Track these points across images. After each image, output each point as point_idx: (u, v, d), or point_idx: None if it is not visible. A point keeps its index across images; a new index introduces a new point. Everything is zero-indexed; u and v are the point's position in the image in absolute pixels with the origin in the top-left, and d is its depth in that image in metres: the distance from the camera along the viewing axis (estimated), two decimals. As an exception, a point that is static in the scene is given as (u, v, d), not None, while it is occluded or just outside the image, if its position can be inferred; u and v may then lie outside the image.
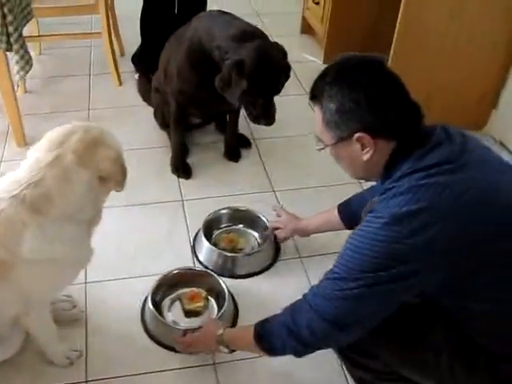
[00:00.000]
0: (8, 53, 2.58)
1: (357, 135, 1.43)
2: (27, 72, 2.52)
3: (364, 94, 1.41)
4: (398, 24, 2.88)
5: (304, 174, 2.87)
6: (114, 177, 1.62)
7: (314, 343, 1.50)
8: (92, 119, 3.21)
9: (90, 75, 3.64)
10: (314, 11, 3.96)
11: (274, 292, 2.24)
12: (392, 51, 2.94)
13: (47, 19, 3.60)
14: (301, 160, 2.97)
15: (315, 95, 1.50)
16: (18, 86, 2.91)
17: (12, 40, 2.40)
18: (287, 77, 2.46)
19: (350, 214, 2.07)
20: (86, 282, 2.24)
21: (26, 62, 2.47)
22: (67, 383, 1.90)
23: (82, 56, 3.85)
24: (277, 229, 2.38)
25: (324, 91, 1.45)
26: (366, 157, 1.46)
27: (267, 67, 2.31)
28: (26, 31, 3.35)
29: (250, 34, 2.39)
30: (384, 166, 1.47)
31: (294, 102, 3.39)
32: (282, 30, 4.21)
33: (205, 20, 2.56)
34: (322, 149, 1.54)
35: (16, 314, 1.74)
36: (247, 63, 2.27)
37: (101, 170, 1.58)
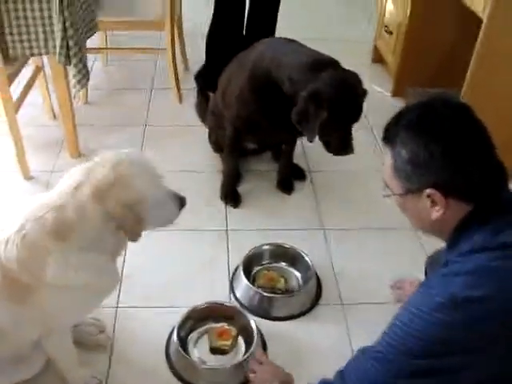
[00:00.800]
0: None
1: (428, 191, 1.28)
2: (83, 86, 2.51)
3: (444, 145, 1.24)
4: (474, 54, 2.69)
5: (357, 214, 2.72)
6: (124, 222, 1.55)
7: None
8: (147, 135, 3.19)
9: (152, 90, 3.63)
10: (386, 41, 3.81)
11: (308, 339, 2.11)
12: (465, 86, 2.77)
13: (116, 31, 3.62)
14: (356, 198, 2.83)
15: (388, 138, 1.36)
16: (75, 97, 2.90)
17: (71, 53, 2.39)
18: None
19: None
20: (117, 307, 2.18)
21: (83, 76, 2.45)
22: (83, 410, 1.84)
23: (147, 70, 3.84)
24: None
25: (398, 135, 1.31)
26: (434, 215, 1.30)
27: (346, 96, 2.22)
28: (93, 42, 3.41)
29: (323, 63, 2.28)
30: (453, 229, 1.31)
31: (356, 135, 3.25)
32: (351, 58, 4.02)
33: (270, 46, 2.47)
34: (389, 196, 1.41)
35: (37, 337, 1.70)
36: (325, 93, 2.16)
37: (110, 211, 1.52)
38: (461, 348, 1.17)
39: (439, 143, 1.24)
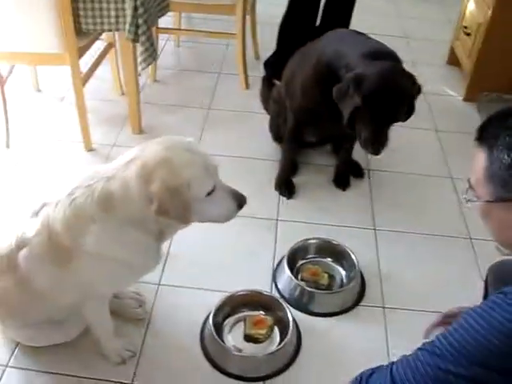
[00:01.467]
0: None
1: None
2: (149, 64, 2.54)
3: None
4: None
5: (413, 218, 2.64)
6: (167, 206, 1.49)
7: None
8: (210, 118, 3.21)
9: (219, 74, 3.64)
10: (464, 42, 3.67)
11: (344, 339, 2.07)
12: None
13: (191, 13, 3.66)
14: (414, 202, 2.75)
15: (484, 138, 1.22)
16: (140, 74, 2.95)
17: (140, 32, 2.43)
18: (411, 108, 2.26)
19: None
20: (159, 284, 2.20)
21: (150, 54, 2.48)
22: (113, 381, 1.88)
23: (217, 53, 3.86)
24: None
25: (499, 137, 1.17)
26: None
27: (386, 91, 2.13)
28: (167, 23, 3.45)
29: (382, 54, 2.23)
30: None
31: (421, 136, 3.17)
32: (427, 57, 3.99)
33: (335, 37, 2.43)
34: (472, 201, 1.28)
35: (74, 302, 1.74)
36: (366, 80, 2.11)
37: (153, 192, 1.48)
38: None
39: None
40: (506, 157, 1.16)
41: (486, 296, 1.56)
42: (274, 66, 3.40)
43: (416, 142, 3.15)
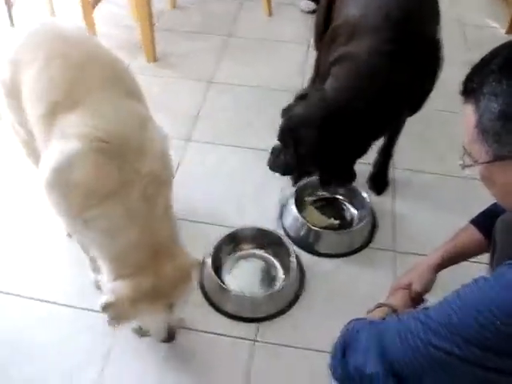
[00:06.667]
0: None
1: None
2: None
3: None
4: None
5: (436, 157, 2.46)
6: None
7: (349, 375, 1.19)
8: (230, 46, 3.06)
9: (242, 0, 3.45)
10: (511, -30, 3.36)
11: (350, 281, 1.98)
12: None
13: None
14: (439, 140, 2.56)
15: (469, 90, 1.05)
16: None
17: None
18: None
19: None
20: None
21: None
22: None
23: (241, -21, 3.65)
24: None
25: (485, 83, 1.01)
26: None
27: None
28: None
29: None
30: None
31: (455, 70, 2.92)
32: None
33: None
34: (469, 166, 1.11)
35: None
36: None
37: None
38: None
39: None
40: (494, 105, 1.00)
41: (494, 246, 1.42)
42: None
43: (449, 77, 2.92)
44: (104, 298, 1.41)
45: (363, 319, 1.28)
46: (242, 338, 1.80)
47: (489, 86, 1.01)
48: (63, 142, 1.43)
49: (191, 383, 1.71)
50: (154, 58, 2.86)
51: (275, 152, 2.06)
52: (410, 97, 1.95)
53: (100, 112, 1.46)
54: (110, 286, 1.44)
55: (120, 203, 1.40)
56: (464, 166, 1.11)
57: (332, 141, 1.85)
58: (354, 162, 1.99)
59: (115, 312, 1.42)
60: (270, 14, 3.29)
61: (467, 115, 1.06)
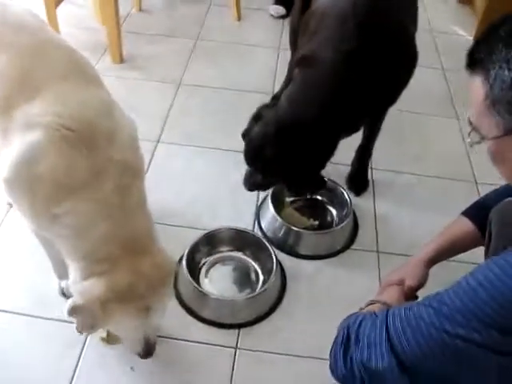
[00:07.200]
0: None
1: None
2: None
3: None
4: None
5: (414, 158, 2.41)
6: None
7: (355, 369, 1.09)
8: (198, 49, 2.96)
9: (210, 4, 3.36)
10: (477, -22, 3.39)
11: (333, 284, 1.88)
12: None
13: None
14: (416, 141, 2.52)
15: (478, 59, 0.98)
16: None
17: None
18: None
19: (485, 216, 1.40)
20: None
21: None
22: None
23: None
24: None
25: (494, 51, 0.95)
26: None
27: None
28: None
29: None
30: None
31: (427, 74, 2.89)
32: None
33: None
34: (478, 143, 1.04)
35: None
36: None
37: None
38: None
39: None
40: (506, 73, 0.93)
41: (489, 237, 1.34)
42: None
43: (421, 80, 2.89)
44: (71, 301, 1.26)
45: (362, 313, 1.19)
46: (222, 346, 1.68)
47: (498, 53, 0.94)
48: (24, 134, 1.29)
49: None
50: (120, 59, 2.75)
51: (247, 173, 1.96)
52: (375, 96, 1.81)
53: (62, 99, 1.33)
54: (79, 287, 1.29)
55: (92, 195, 1.28)
56: (472, 143, 1.05)
57: (290, 154, 1.75)
58: (319, 169, 1.89)
59: (84, 316, 1.27)
60: (239, 18, 3.22)
61: (475, 88, 1.00)
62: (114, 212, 1.30)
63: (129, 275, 1.29)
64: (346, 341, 1.11)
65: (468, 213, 1.54)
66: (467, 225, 1.50)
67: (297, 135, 1.73)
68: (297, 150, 1.75)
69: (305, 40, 1.90)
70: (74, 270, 1.33)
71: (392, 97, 1.91)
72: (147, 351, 1.45)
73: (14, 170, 1.29)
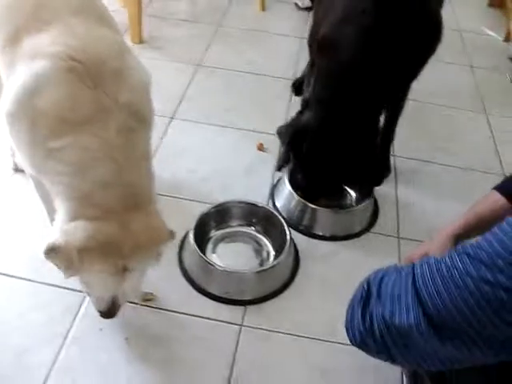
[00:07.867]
0: None
1: None
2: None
3: None
4: None
5: (440, 148, 2.30)
6: None
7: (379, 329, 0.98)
8: (218, 35, 2.89)
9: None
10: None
11: (349, 266, 1.76)
12: None
13: None
14: (442, 133, 2.42)
15: None
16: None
17: None
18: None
19: None
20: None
21: None
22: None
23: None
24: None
25: None
26: None
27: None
28: None
29: None
30: None
31: (455, 71, 2.80)
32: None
33: None
34: None
35: None
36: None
37: None
38: None
39: None
40: None
41: None
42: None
43: (450, 76, 2.80)
44: (52, 239, 1.16)
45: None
46: (226, 322, 1.56)
47: None
48: (30, 64, 1.21)
49: (164, 371, 1.45)
50: (139, 39, 2.69)
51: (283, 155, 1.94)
52: (399, 71, 1.72)
53: (72, 32, 1.25)
54: (63, 227, 1.18)
55: (96, 131, 1.18)
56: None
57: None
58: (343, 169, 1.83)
59: (59, 259, 1.16)
60: (264, 8, 3.14)
61: None
62: (116, 154, 1.20)
63: (116, 228, 1.17)
64: (366, 296, 0.99)
65: (499, 187, 1.42)
66: (498, 199, 1.38)
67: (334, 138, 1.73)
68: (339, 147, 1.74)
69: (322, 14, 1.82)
70: (63, 210, 1.22)
71: (415, 70, 1.80)
72: (109, 312, 1.34)
73: (17, 101, 1.21)
